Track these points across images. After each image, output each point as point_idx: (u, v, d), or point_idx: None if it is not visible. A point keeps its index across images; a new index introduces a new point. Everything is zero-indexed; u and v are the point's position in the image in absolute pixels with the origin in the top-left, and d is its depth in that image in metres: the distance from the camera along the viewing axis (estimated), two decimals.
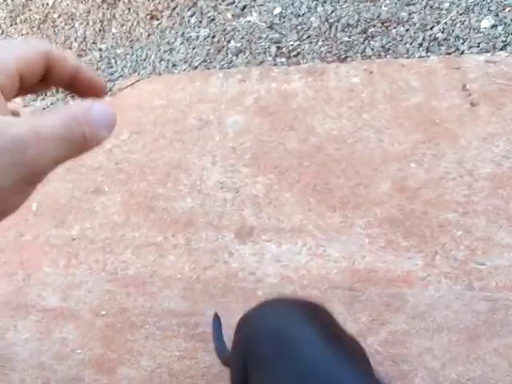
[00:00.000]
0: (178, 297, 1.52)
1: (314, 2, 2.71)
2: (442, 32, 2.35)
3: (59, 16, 3.32)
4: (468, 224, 1.71)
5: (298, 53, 2.57)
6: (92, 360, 1.45)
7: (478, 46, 2.24)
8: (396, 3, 2.55)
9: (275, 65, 2.55)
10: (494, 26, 2.29)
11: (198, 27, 2.89)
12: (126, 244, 1.97)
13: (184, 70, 2.71)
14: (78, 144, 0.38)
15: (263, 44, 2.66)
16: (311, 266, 1.75)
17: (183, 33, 2.90)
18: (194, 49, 2.80)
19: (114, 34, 3.13)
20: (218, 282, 1.60)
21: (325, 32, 2.57)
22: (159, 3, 3.13)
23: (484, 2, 2.39)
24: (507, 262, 1.59)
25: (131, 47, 3.02)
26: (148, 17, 3.09)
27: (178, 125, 2.40)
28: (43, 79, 0.43)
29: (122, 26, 3.14)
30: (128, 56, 2.99)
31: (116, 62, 2.99)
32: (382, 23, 2.49)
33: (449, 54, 2.27)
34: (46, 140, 0.36)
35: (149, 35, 3.05)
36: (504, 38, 2.23)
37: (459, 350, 1.28)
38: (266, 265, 1.80)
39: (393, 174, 1.93)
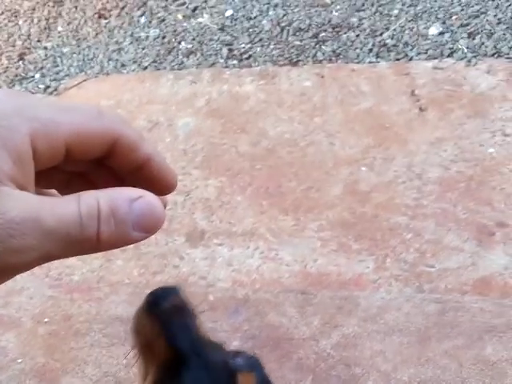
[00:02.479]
0: (126, 303, 1.47)
1: (266, 6, 2.70)
2: (392, 38, 2.39)
3: (2, 13, 3.19)
4: (417, 227, 1.73)
5: (250, 55, 2.55)
6: (34, 369, 1.37)
7: (426, 53, 2.28)
8: (346, 9, 2.58)
9: (227, 67, 2.53)
10: (442, 34, 2.34)
11: (148, 27, 2.84)
12: None
13: (133, 70, 2.65)
14: (83, 245, 0.31)
15: (215, 46, 2.63)
16: (263, 269, 1.73)
17: (132, 33, 2.84)
18: (143, 49, 2.74)
19: (60, 33, 3.02)
20: None
21: (276, 35, 2.57)
22: (107, 2, 3.06)
23: (432, 10, 2.45)
24: (455, 265, 1.62)
25: (78, 46, 2.93)
26: (96, 15, 3.01)
27: None
28: (101, 159, 0.34)
29: (68, 24, 3.04)
30: (75, 55, 2.90)
31: (62, 61, 2.89)
32: (333, 28, 2.51)
33: (398, 59, 2.31)
34: (43, 233, 0.28)
35: (96, 34, 2.96)
36: (451, 45, 2.28)
37: (410, 352, 1.29)
38: (218, 269, 1.76)
39: (344, 178, 1.94)
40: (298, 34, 2.55)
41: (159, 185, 0.36)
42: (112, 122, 0.33)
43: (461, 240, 1.68)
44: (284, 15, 2.66)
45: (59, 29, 3.05)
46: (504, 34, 2.28)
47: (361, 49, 2.41)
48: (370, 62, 2.35)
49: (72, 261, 1.84)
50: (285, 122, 2.22)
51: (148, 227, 0.33)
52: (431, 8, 2.46)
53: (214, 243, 1.84)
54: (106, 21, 2.99)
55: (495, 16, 2.38)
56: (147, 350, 0.65)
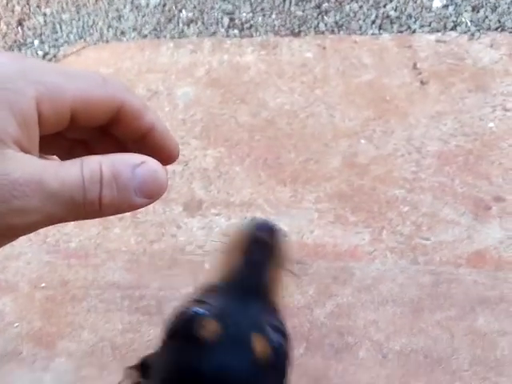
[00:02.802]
0: (123, 269, 1.48)
1: None
2: (395, 10, 2.35)
3: None
4: (414, 200, 1.74)
5: (251, 25, 2.52)
6: (30, 333, 1.39)
7: (430, 26, 2.26)
8: None
9: (228, 36, 2.50)
10: (446, 6, 2.31)
11: None
12: None
13: (133, 38, 2.62)
14: (86, 209, 0.30)
15: (216, 15, 2.59)
16: None
17: (133, 0, 2.80)
18: (143, 17, 2.70)
19: None
20: (165, 254, 1.57)
21: (278, 5, 2.53)
22: None
23: None
24: (451, 238, 1.63)
25: (77, 12, 2.89)
26: None
27: None
28: (105, 127, 0.35)
29: None
30: (74, 22, 2.86)
31: (61, 28, 2.85)
32: None
33: (401, 32, 2.28)
34: (46, 195, 0.28)
35: (96, 1, 2.92)
36: (454, 19, 2.25)
37: (403, 323, 1.31)
38: (215, 238, 1.77)
39: (343, 150, 1.93)
40: (300, 4, 2.52)
41: (161, 154, 0.37)
42: (117, 90, 0.33)
43: (457, 214, 1.68)
44: None
45: None
46: (508, 8, 2.25)
47: (363, 20, 2.37)
48: (372, 34, 2.32)
49: (69, 228, 1.85)
50: (285, 93, 2.20)
51: (150, 193, 0.33)
52: None
53: (211, 213, 1.85)
54: None
55: None
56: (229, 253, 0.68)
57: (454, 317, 1.30)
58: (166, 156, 0.37)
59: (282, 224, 1.77)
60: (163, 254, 1.61)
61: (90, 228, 1.85)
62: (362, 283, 1.39)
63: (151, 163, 0.32)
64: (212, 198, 1.89)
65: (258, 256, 0.65)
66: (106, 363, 1.32)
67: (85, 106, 0.31)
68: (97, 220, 1.88)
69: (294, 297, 1.37)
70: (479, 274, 1.39)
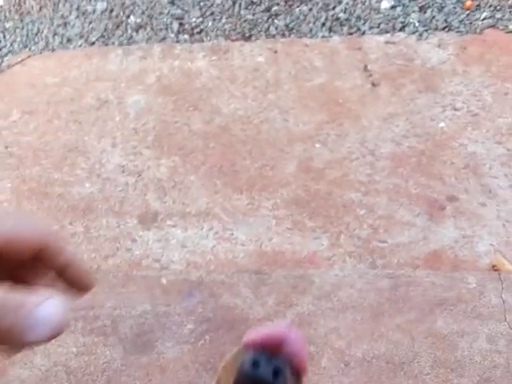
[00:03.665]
0: None
1: None
2: (344, 12, 2.36)
3: None
4: (370, 203, 1.74)
5: (202, 30, 2.49)
6: None
7: (379, 27, 2.27)
8: None
9: (178, 42, 2.46)
10: (393, 7, 2.33)
11: (95, 0, 2.72)
12: None
13: (80, 45, 2.54)
14: None
15: (165, 20, 2.54)
16: (218, 250, 1.71)
17: (79, 6, 2.72)
18: (90, 23, 2.63)
19: (1, 7, 2.87)
20: (119, 270, 1.52)
21: (228, 9, 2.51)
22: None
23: None
24: (407, 240, 1.64)
25: (21, 21, 2.80)
26: None
27: (74, 104, 2.25)
28: (30, 262, 0.39)
29: None
30: (18, 30, 2.76)
31: (5, 37, 2.75)
32: (286, 2, 2.47)
33: (350, 34, 2.29)
34: None
35: (41, 8, 2.83)
36: (403, 19, 2.28)
37: (364, 328, 1.30)
38: (172, 251, 1.73)
39: (298, 155, 1.93)
40: (250, 7, 2.50)
41: (77, 285, 0.42)
42: (39, 227, 0.37)
43: (412, 215, 1.69)
44: None
45: (1, 3, 2.90)
46: (454, 8, 2.29)
47: (314, 23, 2.37)
48: (322, 37, 2.32)
49: None
50: (238, 98, 2.18)
51: (48, 329, 0.35)
52: None
53: (167, 225, 1.81)
54: None
55: None
56: None
57: (413, 320, 1.30)
58: (81, 287, 0.42)
59: (240, 233, 1.74)
60: (117, 270, 1.56)
61: None
62: (321, 291, 1.38)
63: (49, 305, 0.34)
64: (167, 209, 1.85)
65: None
66: None
67: (8, 246, 0.36)
68: None
69: (254, 308, 1.35)
70: (436, 275, 1.40)
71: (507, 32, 2.18)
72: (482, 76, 2.05)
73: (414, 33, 2.23)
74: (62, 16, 2.71)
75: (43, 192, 1.95)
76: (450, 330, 1.30)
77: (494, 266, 1.54)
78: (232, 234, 1.75)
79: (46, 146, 2.11)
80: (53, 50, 2.57)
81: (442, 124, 1.93)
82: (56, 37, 2.63)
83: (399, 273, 1.43)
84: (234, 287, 1.42)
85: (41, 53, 2.57)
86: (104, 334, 1.33)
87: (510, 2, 2.26)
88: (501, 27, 2.20)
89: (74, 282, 0.42)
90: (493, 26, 2.20)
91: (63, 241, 0.40)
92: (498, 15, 2.24)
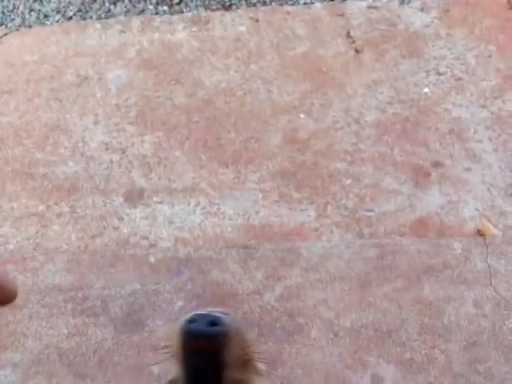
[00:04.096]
0: (63, 270, 1.42)
1: None
2: None
3: None
4: (356, 172, 1.74)
5: (181, 0, 2.43)
6: None
7: None
8: None
9: (157, 14, 2.40)
10: None
11: None
12: (3, 216, 1.81)
13: (57, 21, 2.48)
14: None
15: None
16: (206, 225, 1.71)
17: None
18: None
19: None
20: (107, 250, 1.52)
21: None
22: None
23: None
24: (393, 207, 1.64)
25: None
26: None
27: (54, 82, 2.21)
28: None
29: None
30: None
31: None
32: None
33: (332, 0, 2.25)
34: None
35: None
36: None
37: (352, 298, 1.32)
38: (159, 227, 1.73)
39: (283, 126, 1.91)
40: None
41: (2, 294, 0.40)
42: None
43: (398, 182, 1.70)
44: None
45: None
46: None
47: None
48: (304, 4, 2.28)
49: (5, 229, 1.76)
50: (220, 70, 2.15)
51: None
52: None
53: (153, 201, 1.80)
54: None
55: None
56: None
57: (400, 288, 1.32)
58: (5, 297, 0.41)
59: (227, 207, 1.74)
60: (105, 249, 1.56)
61: (27, 228, 1.77)
62: (309, 263, 1.39)
63: None
64: (153, 186, 1.84)
65: (203, 369, 0.53)
66: (54, 371, 1.27)
67: None
68: (34, 218, 1.80)
69: (243, 283, 1.36)
70: (422, 242, 1.41)
71: None
72: (465, 39, 2.03)
73: None
74: None
75: (27, 173, 1.93)
76: (436, 297, 1.32)
77: (479, 231, 1.55)
78: (219, 209, 1.74)
79: (27, 125, 2.08)
80: (30, 26, 2.51)
81: (426, 89, 1.91)
82: (32, 13, 2.56)
83: (385, 241, 1.44)
84: (222, 263, 1.42)
85: (17, 30, 2.51)
86: (94, 315, 1.34)
87: None
88: None
89: None
90: None
91: None
92: None
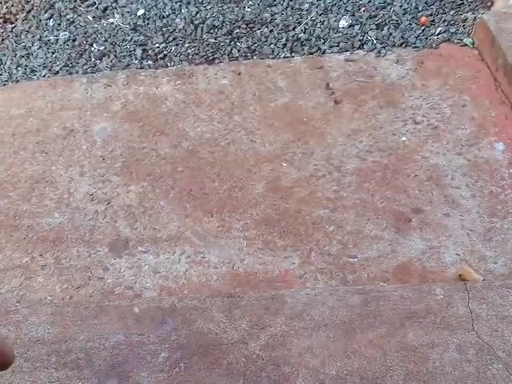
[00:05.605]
0: (47, 323, 1.41)
1: (178, 4, 2.66)
2: (304, 32, 2.42)
3: None
4: (339, 219, 1.77)
5: (165, 55, 2.51)
6: None
7: (338, 46, 2.33)
8: (259, 4, 2.58)
9: (142, 68, 2.47)
10: (351, 26, 2.39)
11: (57, 30, 2.72)
12: None
13: (44, 75, 2.54)
14: None
15: (128, 46, 2.56)
16: (191, 274, 1.71)
17: (41, 36, 2.72)
18: (53, 53, 2.63)
19: None
20: (91, 301, 1.51)
21: (191, 34, 2.54)
22: (12, 6, 2.91)
23: (341, 3, 2.49)
24: (376, 253, 1.67)
25: None
26: (1, 20, 2.86)
27: (40, 135, 2.24)
28: None
29: None
30: None
31: None
32: (247, 24, 2.51)
33: (311, 53, 2.34)
34: None
35: (2, 40, 2.82)
36: (361, 37, 2.34)
37: (337, 346, 1.32)
38: (144, 277, 1.73)
39: (266, 175, 1.95)
40: (212, 31, 2.53)
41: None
42: None
43: (380, 228, 1.73)
44: (197, 13, 2.62)
45: None
46: (410, 24, 2.36)
47: (275, 44, 2.42)
48: (284, 57, 2.37)
49: None
50: (204, 121, 2.20)
51: None
52: (340, 1, 2.51)
53: (138, 251, 1.81)
54: (12, 25, 2.84)
55: (401, 6, 2.45)
56: None
57: (384, 334, 1.32)
58: (4, 363, 0.42)
59: (212, 256, 1.75)
60: (90, 301, 1.55)
61: (11, 280, 1.76)
62: (293, 310, 1.40)
63: None
64: (138, 236, 1.85)
65: None
66: None
67: None
68: (18, 270, 1.79)
69: (228, 332, 1.35)
70: (404, 288, 1.43)
71: (462, 45, 2.25)
72: (440, 89, 2.11)
73: (372, 50, 2.29)
74: (25, 47, 2.70)
75: (12, 224, 1.93)
76: (420, 343, 1.32)
77: (460, 276, 1.57)
78: (204, 257, 1.75)
79: (12, 177, 2.09)
80: (17, 81, 2.56)
81: (403, 138, 1.97)
82: (19, 68, 2.62)
83: (369, 288, 1.45)
84: (207, 312, 1.42)
85: (4, 84, 2.56)
86: (78, 368, 1.32)
87: (462, 17, 2.34)
88: (455, 41, 2.27)
89: None
90: (448, 40, 2.27)
91: None
92: (452, 29, 2.31)
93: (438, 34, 2.29)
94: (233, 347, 1.34)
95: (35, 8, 2.85)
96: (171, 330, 1.38)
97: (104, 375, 1.29)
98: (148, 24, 2.62)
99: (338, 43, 2.33)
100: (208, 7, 2.63)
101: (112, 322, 1.40)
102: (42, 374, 1.32)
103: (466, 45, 2.26)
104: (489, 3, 2.40)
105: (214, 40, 2.50)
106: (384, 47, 2.29)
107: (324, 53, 2.31)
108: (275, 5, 2.55)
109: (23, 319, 1.43)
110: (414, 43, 2.28)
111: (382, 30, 2.35)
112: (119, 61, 2.52)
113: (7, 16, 2.86)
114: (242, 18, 2.53)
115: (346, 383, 1.26)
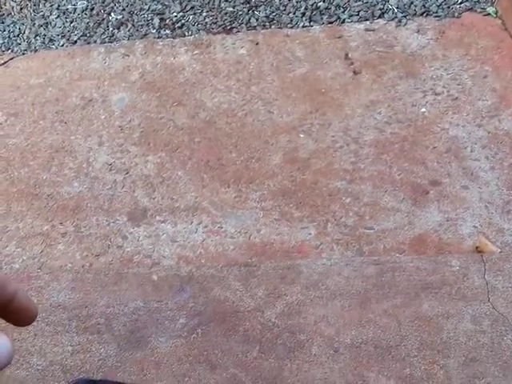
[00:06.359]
0: (68, 289, 1.45)
1: None
2: (323, 1, 2.38)
3: None
4: (356, 191, 1.77)
5: (183, 24, 2.49)
6: None
7: (358, 15, 2.29)
8: None
9: (159, 37, 2.46)
10: None
11: None
12: (9, 236, 1.84)
13: (62, 45, 2.54)
14: None
15: (146, 16, 2.55)
16: (208, 243, 1.74)
17: (59, 5, 2.71)
18: (71, 22, 2.63)
19: None
20: (111, 269, 1.54)
21: (208, 2, 2.51)
22: None
23: None
24: (393, 225, 1.67)
25: (2, 22, 2.79)
26: None
27: (59, 104, 2.26)
28: None
29: None
30: None
31: None
32: None
33: (330, 23, 2.30)
34: None
35: (21, 9, 2.82)
36: (381, 6, 2.29)
37: (352, 315, 1.33)
38: (162, 246, 1.76)
39: (283, 146, 1.95)
40: (230, 0, 2.50)
41: (24, 315, 0.41)
42: None
43: (397, 200, 1.72)
44: None
45: None
46: None
47: (294, 13, 2.38)
48: (303, 27, 2.34)
49: (11, 249, 1.79)
50: (222, 92, 2.19)
51: None
52: None
53: (156, 220, 1.83)
54: None
55: None
56: None
57: (399, 304, 1.34)
58: (27, 317, 0.42)
59: (229, 226, 1.77)
60: (109, 268, 1.58)
61: (32, 247, 1.80)
62: (309, 280, 1.41)
63: None
64: (156, 205, 1.87)
65: None
66: None
67: None
68: (39, 238, 1.83)
69: (244, 300, 1.37)
70: (421, 259, 1.43)
71: (485, 15, 2.20)
72: (461, 59, 2.07)
73: (393, 19, 2.25)
74: (43, 16, 2.70)
75: (32, 193, 1.97)
76: (435, 313, 1.33)
77: (477, 248, 1.57)
78: (221, 227, 1.77)
79: (32, 147, 2.12)
80: (35, 50, 2.57)
81: (423, 109, 1.95)
82: (38, 37, 2.62)
83: (385, 259, 1.46)
84: (223, 280, 1.44)
85: (23, 54, 2.57)
86: (98, 332, 1.36)
87: None
88: (478, 10, 2.22)
89: (17, 316, 0.42)
90: (470, 9, 2.22)
91: (5, 275, 0.41)
92: None
93: (461, 3, 2.24)
94: (249, 315, 1.36)
95: None
96: (189, 298, 1.40)
97: (123, 340, 1.32)
98: None
99: (358, 12, 2.29)
100: None
101: (131, 288, 1.43)
102: (64, 337, 1.36)
103: (489, 14, 2.20)
104: None
105: (231, 9, 2.47)
106: (405, 16, 2.24)
107: (343, 22, 2.28)
108: None
109: (45, 285, 1.47)
110: (436, 12, 2.23)
111: None
112: (137, 30, 2.51)
113: None
114: None
115: (361, 351, 1.28)
